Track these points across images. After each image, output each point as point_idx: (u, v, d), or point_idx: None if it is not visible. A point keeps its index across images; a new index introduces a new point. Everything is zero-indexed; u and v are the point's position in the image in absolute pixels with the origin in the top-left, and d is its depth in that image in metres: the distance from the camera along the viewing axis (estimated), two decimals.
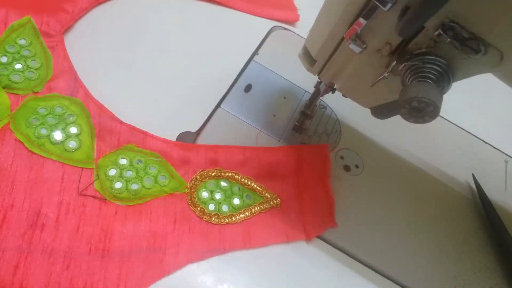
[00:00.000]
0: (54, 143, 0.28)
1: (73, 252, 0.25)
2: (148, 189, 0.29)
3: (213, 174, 0.31)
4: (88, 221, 0.26)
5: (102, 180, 0.28)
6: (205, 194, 0.30)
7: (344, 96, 0.30)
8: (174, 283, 0.27)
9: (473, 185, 0.38)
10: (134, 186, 0.28)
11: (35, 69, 0.31)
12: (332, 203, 0.32)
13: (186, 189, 0.30)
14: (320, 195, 0.33)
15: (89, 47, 0.35)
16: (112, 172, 0.28)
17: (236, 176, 0.31)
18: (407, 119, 0.22)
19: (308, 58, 0.29)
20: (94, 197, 0.27)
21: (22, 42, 0.32)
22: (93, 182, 0.28)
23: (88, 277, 0.25)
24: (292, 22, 0.44)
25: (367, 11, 0.22)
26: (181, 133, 0.33)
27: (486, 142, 0.42)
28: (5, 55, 0.31)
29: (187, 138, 0.33)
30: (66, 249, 0.25)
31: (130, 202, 0.28)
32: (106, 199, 0.28)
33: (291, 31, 0.43)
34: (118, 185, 0.28)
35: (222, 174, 0.31)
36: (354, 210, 0.33)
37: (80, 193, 0.27)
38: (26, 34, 0.32)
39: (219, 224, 0.29)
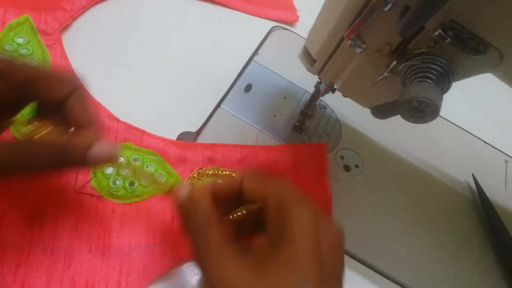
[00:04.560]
0: None
1: (73, 250, 0.25)
2: (145, 187, 0.29)
3: (210, 172, 0.31)
4: (86, 219, 0.26)
5: (99, 178, 0.28)
6: None
7: (344, 96, 0.30)
8: (174, 283, 0.27)
9: (473, 185, 0.38)
10: (131, 184, 0.28)
11: None
12: (330, 201, 0.32)
13: None
14: (318, 194, 0.32)
15: (87, 45, 0.35)
16: (109, 170, 0.28)
17: (234, 175, 0.31)
18: (407, 119, 0.22)
19: (308, 58, 0.29)
20: (91, 195, 0.27)
21: (20, 40, 0.32)
22: (90, 180, 0.28)
23: (89, 275, 0.25)
24: (291, 22, 0.44)
25: (367, 11, 0.22)
26: (181, 133, 0.33)
27: (486, 142, 0.42)
28: (3, 54, 0.30)
29: (187, 138, 0.33)
30: (67, 248, 0.25)
31: (127, 200, 0.28)
32: (103, 197, 0.28)
33: (291, 31, 0.43)
34: (115, 183, 0.28)
35: (220, 172, 0.31)
36: (354, 210, 0.33)
37: (77, 191, 0.27)
38: (24, 32, 0.32)
39: None
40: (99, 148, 0.22)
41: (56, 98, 0.23)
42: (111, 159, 0.24)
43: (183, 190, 0.23)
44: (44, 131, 0.23)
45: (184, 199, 0.23)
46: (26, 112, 0.25)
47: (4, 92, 0.22)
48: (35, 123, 0.23)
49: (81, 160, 0.22)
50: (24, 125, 0.23)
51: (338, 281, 0.20)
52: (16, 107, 0.24)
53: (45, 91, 0.23)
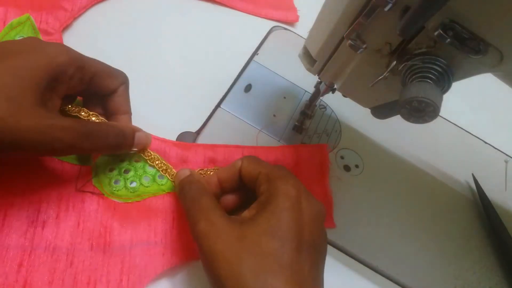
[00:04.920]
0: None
1: (75, 248, 0.25)
2: (147, 187, 0.29)
3: (211, 173, 0.31)
4: (87, 217, 0.26)
5: (101, 178, 0.28)
6: None
7: (344, 96, 0.30)
8: (175, 284, 0.27)
9: (473, 185, 0.38)
10: (133, 184, 0.28)
11: None
12: (331, 203, 0.32)
13: None
14: (319, 195, 0.32)
15: (87, 45, 0.35)
16: (111, 169, 0.28)
17: None
18: (407, 119, 0.22)
19: (308, 58, 0.29)
20: (92, 193, 0.27)
21: None
22: (91, 178, 0.28)
23: (91, 273, 0.25)
24: (292, 22, 0.44)
25: (367, 11, 0.22)
26: (181, 133, 0.33)
27: (486, 142, 0.42)
28: None
29: (187, 138, 0.33)
30: (69, 246, 0.25)
31: (128, 199, 0.28)
32: (104, 195, 0.28)
33: (291, 31, 0.43)
34: (116, 182, 0.28)
35: None
36: (354, 210, 0.33)
37: (78, 190, 0.27)
38: (25, 32, 0.32)
39: None
40: (141, 134, 0.28)
41: (110, 90, 0.27)
42: (146, 145, 0.29)
43: (185, 171, 0.28)
44: (94, 118, 0.26)
45: (184, 177, 0.27)
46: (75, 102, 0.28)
47: (76, 85, 0.25)
48: (83, 113, 0.26)
49: (131, 143, 0.27)
50: (74, 114, 0.26)
51: (316, 251, 0.21)
52: (73, 98, 0.28)
53: (104, 84, 0.27)
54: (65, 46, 0.25)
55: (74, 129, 0.23)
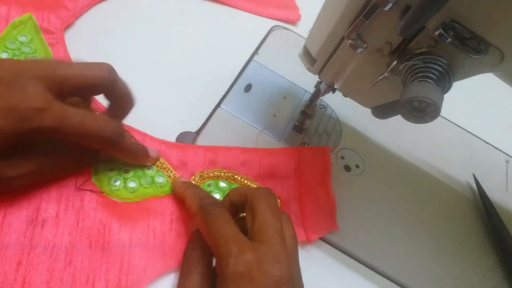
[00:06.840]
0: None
1: (74, 247, 0.25)
2: (146, 188, 0.29)
3: (212, 174, 0.31)
4: (86, 215, 0.26)
5: (101, 176, 0.28)
6: None
7: (344, 96, 0.30)
8: (173, 283, 0.27)
9: (474, 185, 0.38)
10: (132, 184, 0.28)
11: None
12: (333, 206, 0.32)
13: None
14: (321, 198, 0.32)
15: (89, 44, 0.35)
16: (111, 169, 0.28)
17: (236, 177, 0.31)
18: (408, 119, 0.22)
19: (309, 58, 0.29)
20: (92, 191, 0.27)
21: (22, 39, 0.32)
22: (91, 176, 0.28)
23: (90, 271, 0.25)
24: (293, 21, 0.44)
25: (368, 11, 0.22)
26: (181, 133, 0.33)
27: (487, 142, 0.42)
28: (6, 52, 0.31)
29: (187, 138, 0.33)
30: (68, 245, 0.25)
31: (127, 199, 0.28)
32: (103, 194, 0.28)
33: (292, 30, 0.43)
34: (116, 182, 0.28)
35: (222, 174, 0.31)
36: (354, 210, 0.33)
37: (78, 188, 0.27)
38: (27, 31, 0.32)
39: None
40: (152, 150, 0.29)
41: (99, 94, 0.27)
42: (155, 160, 0.30)
43: (181, 179, 0.30)
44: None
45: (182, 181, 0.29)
46: None
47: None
48: (79, 104, 0.27)
49: (130, 147, 0.28)
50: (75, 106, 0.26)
51: (296, 256, 0.25)
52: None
53: (92, 93, 0.27)
54: (42, 89, 0.22)
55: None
